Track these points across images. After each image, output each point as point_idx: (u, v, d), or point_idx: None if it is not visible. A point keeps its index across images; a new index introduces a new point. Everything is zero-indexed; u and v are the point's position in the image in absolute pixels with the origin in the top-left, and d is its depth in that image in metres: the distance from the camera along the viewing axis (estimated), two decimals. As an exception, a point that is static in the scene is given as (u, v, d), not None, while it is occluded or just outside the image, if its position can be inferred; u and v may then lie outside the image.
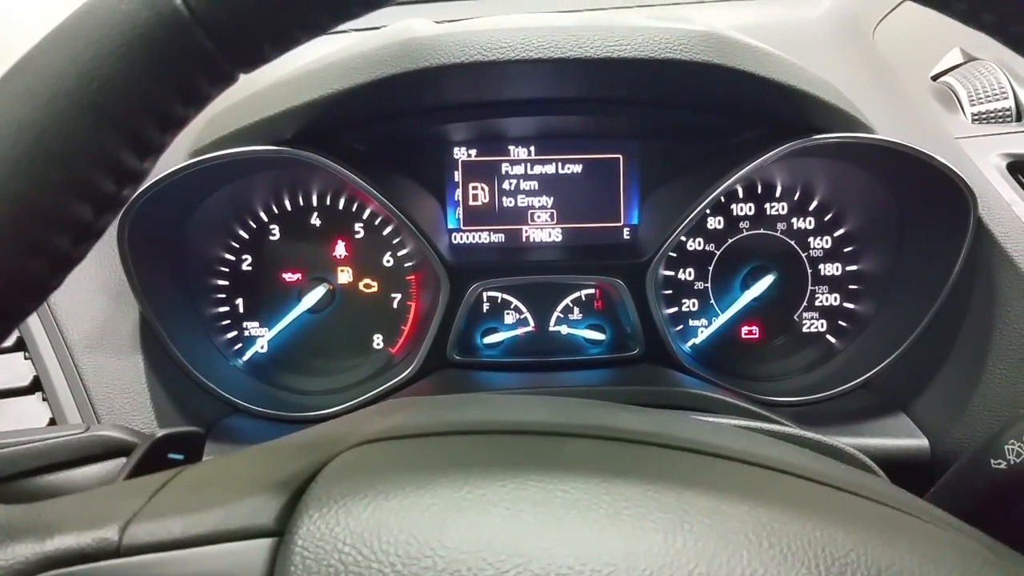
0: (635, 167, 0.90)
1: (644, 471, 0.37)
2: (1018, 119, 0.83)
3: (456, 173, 0.89)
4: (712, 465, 0.40)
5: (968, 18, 0.37)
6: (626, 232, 0.90)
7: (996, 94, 0.85)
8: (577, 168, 0.90)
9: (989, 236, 0.75)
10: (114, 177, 0.34)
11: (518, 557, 0.30)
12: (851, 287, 0.92)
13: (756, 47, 0.70)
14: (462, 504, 0.33)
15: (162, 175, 0.73)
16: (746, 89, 0.72)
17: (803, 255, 0.92)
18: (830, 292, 0.92)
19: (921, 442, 0.76)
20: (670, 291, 0.93)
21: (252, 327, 0.91)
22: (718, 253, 0.92)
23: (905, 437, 0.77)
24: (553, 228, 0.90)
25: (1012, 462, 0.54)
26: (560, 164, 0.90)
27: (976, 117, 0.84)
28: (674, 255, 0.92)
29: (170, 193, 0.76)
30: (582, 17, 0.71)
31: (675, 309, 0.93)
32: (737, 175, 0.79)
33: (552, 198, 0.90)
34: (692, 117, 0.84)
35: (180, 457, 0.43)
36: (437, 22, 0.75)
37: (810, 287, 0.92)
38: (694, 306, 0.93)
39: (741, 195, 0.92)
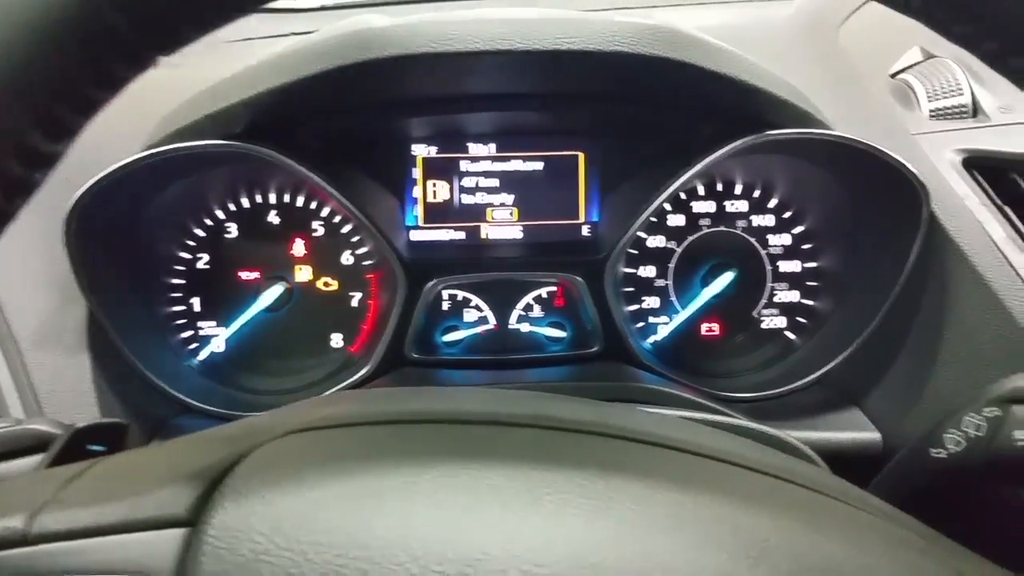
0: (595, 164, 0.89)
1: (574, 458, 0.36)
2: (974, 115, 0.84)
3: (415, 170, 0.89)
4: (645, 453, 0.39)
5: (923, 16, 0.37)
6: (586, 229, 0.90)
7: (953, 91, 0.86)
8: (538, 165, 0.90)
9: (942, 231, 0.75)
10: (23, 159, 0.33)
11: (436, 544, 0.29)
12: (810, 284, 0.92)
13: (707, 42, 0.70)
14: (382, 493, 0.32)
15: (108, 170, 0.72)
16: (698, 84, 0.71)
17: (763, 252, 0.92)
18: (789, 289, 0.93)
19: (874, 435, 0.77)
20: (631, 288, 0.93)
21: (208, 326, 0.90)
22: (679, 250, 0.92)
23: (858, 431, 0.78)
24: (513, 226, 0.90)
25: (951, 451, 0.54)
26: (520, 161, 0.90)
27: (933, 113, 0.85)
28: (635, 252, 0.92)
29: (120, 188, 0.75)
30: (540, 12, 0.71)
31: (636, 306, 0.93)
32: (691, 172, 0.80)
33: (513, 195, 0.90)
34: (650, 114, 0.84)
35: (101, 449, 0.42)
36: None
37: (769, 284, 0.93)
38: (655, 303, 0.93)
39: (702, 192, 0.92)
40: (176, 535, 0.31)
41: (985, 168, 0.78)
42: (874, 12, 0.97)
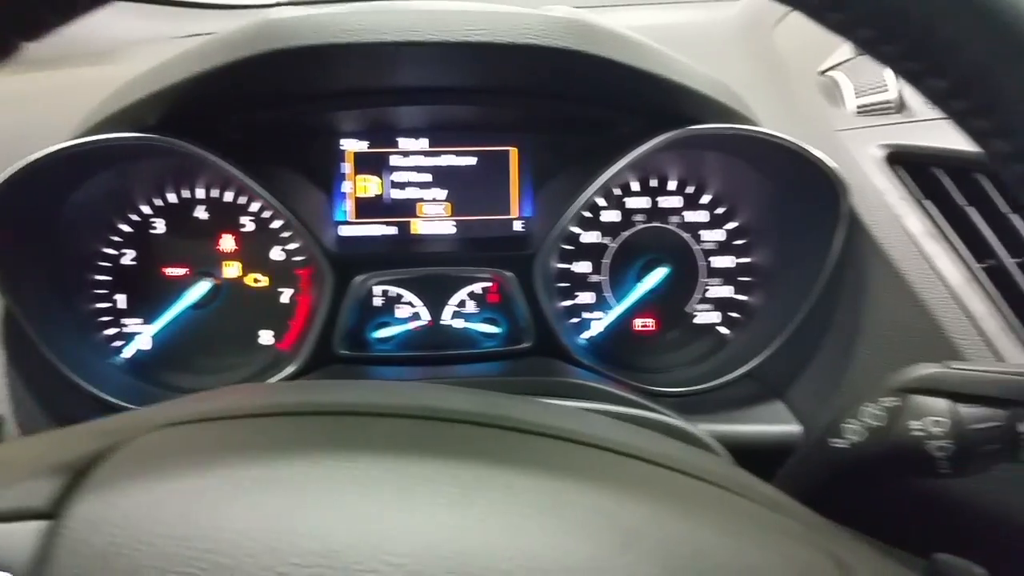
0: (528, 159, 0.89)
1: (446, 448, 0.36)
2: (900, 111, 0.85)
3: (344, 164, 0.88)
4: (522, 441, 0.39)
5: (817, 16, 0.37)
6: (518, 224, 0.89)
7: (879, 87, 0.87)
8: (471, 160, 0.89)
9: (862, 226, 0.76)
10: None
11: (294, 536, 0.29)
12: (742, 279, 0.93)
13: (624, 37, 0.70)
14: (241, 485, 0.32)
15: (20, 164, 0.71)
16: (616, 79, 0.71)
17: (696, 248, 0.93)
18: (722, 284, 0.93)
19: (795, 428, 0.77)
20: (566, 284, 0.92)
21: (133, 324, 0.88)
22: (613, 246, 0.92)
23: (780, 423, 0.78)
24: (445, 221, 0.89)
25: (851, 441, 0.54)
26: (453, 156, 0.89)
27: (859, 109, 0.86)
28: (570, 248, 0.92)
29: (36, 182, 0.73)
30: (459, 4, 0.70)
31: (571, 302, 0.92)
32: (612, 170, 0.80)
33: (445, 190, 0.89)
34: (580, 109, 0.84)
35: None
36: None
37: (702, 279, 0.93)
38: (590, 299, 0.93)
39: (637, 188, 0.92)
40: (36, 527, 0.30)
41: (908, 163, 0.79)
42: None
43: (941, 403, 0.52)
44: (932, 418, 0.51)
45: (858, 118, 0.85)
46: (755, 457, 0.60)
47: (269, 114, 0.81)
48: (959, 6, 0.34)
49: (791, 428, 0.77)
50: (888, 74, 0.87)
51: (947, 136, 0.78)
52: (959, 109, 0.37)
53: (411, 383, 0.52)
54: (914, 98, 0.85)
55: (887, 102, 0.85)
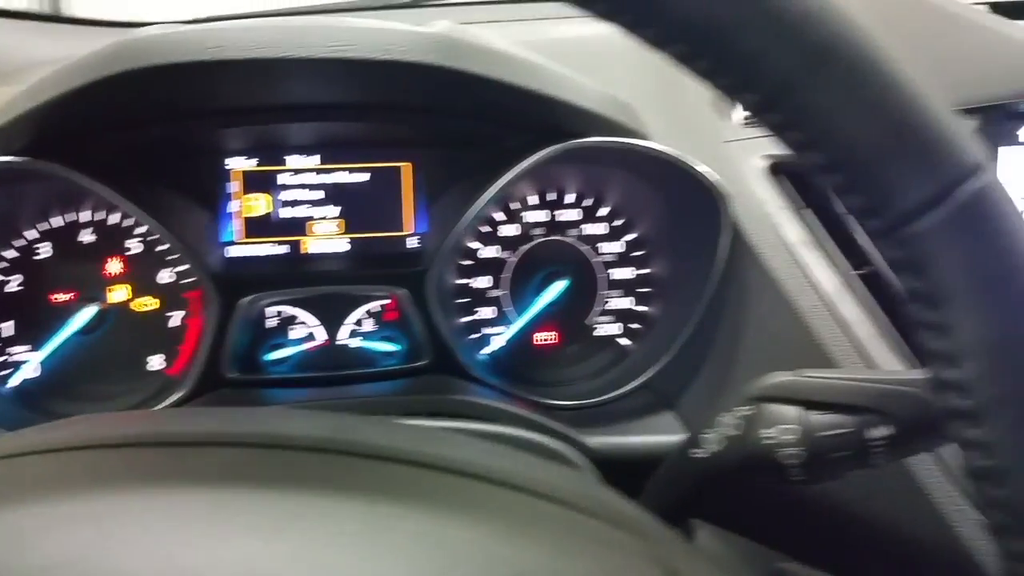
0: (421, 175, 0.89)
1: (269, 476, 0.35)
2: (783, 122, 0.86)
3: (230, 184, 0.86)
4: (350, 465, 0.38)
5: (633, 33, 0.37)
6: (413, 241, 0.89)
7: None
8: (364, 176, 0.88)
9: (744, 236, 0.76)
10: None
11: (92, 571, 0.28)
12: (642, 290, 0.93)
13: (495, 51, 0.70)
14: (53, 520, 0.31)
15: None
16: (494, 95, 0.71)
17: (595, 260, 0.93)
18: (622, 296, 0.93)
19: (680, 438, 0.77)
20: (466, 299, 0.92)
21: (20, 352, 0.85)
22: (513, 260, 0.92)
23: (668, 434, 0.78)
24: (338, 239, 0.88)
25: (710, 451, 0.54)
26: (346, 173, 0.88)
27: (746, 121, 0.87)
28: (469, 263, 0.91)
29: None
30: (333, 20, 0.70)
31: (471, 317, 0.92)
32: (497, 186, 0.80)
33: (338, 208, 0.88)
34: (468, 125, 0.84)
35: None
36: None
37: (602, 292, 0.93)
38: (490, 314, 0.92)
39: (535, 202, 0.92)
40: None
41: (790, 173, 0.80)
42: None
43: (792, 411, 0.52)
44: (783, 426, 0.52)
45: (745, 129, 0.86)
46: (644, 468, 0.60)
47: (148, 134, 0.80)
48: (756, 20, 0.34)
49: (676, 438, 0.77)
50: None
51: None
52: (774, 122, 0.37)
53: (261, 409, 0.51)
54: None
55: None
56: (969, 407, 0.36)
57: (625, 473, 0.64)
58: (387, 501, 0.34)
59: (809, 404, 0.52)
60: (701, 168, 0.77)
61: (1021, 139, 0.80)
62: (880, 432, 0.50)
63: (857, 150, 0.35)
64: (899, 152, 0.35)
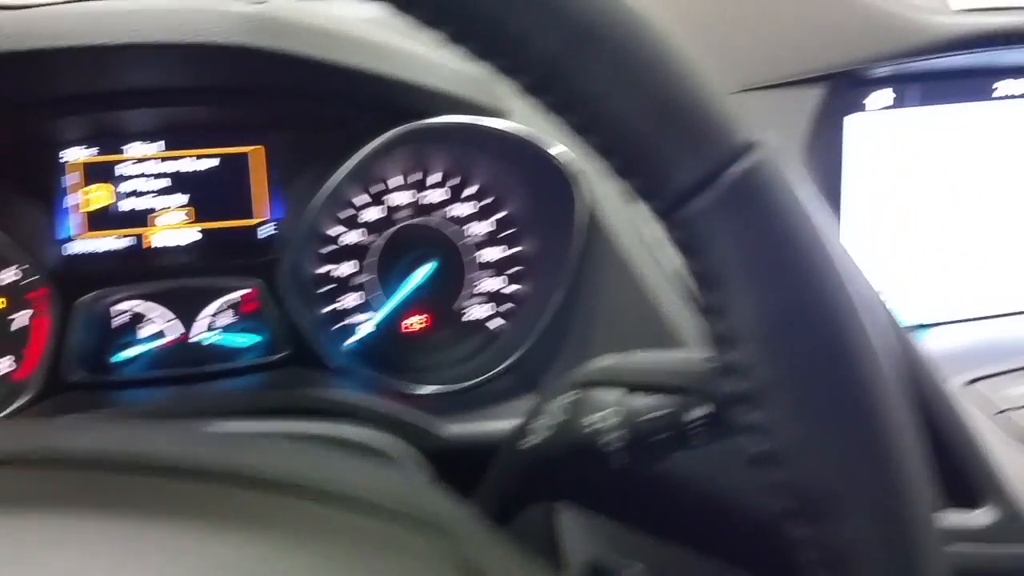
0: (274, 160, 0.85)
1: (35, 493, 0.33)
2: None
3: (67, 176, 0.81)
4: (128, 479, 0.36)
5: (404, 12, 0.35)
6: (267, 228, 0.85)
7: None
8: (212, 163, 0.84)
9: (597, 216, 0.75)
10: None
11: None
12: (512, 270, 0.91)
13: (323, 30, 0.67)
14: None
15: None
16: (324, 75, 0.69)
17: (463, 242, 0.91)
18: (492, 276, 0.92)
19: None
20: (330, 287, 0.89)
21: None
22: (379, 244, 0.89)
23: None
24: (187, 229, 0.84)
25: (537, 440, 0.53)
26: (193, 160, 0.84)
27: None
28: (332, 248, 0.88)
29: None
30: (141, 3, 0.66)
31: (335, 306, 0.89)
32: (345, 170, 0.77)
33: (186, 196, 0.84)
34: (317, 107, 0.81)
35: None
36: None
37: (471, 274, 0.91)
38: (356, 301, 0.90)
39: (399, 184, 0.89)
40: None
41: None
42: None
43: (613, 395, 0.51)
44: (605, 411, 0.51)
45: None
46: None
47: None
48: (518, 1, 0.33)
49: (531, 423, 0.76)
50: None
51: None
52: (549, 105, 0.36)
53: (53, 421, 0.48)
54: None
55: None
56: (747, 390, 0.36)
57: (481, 461, 0.63)
58: (156, 516, 0.32)
59: (631, 387, 0.51)
60: (555, 149, 0.76)
61: (868, 107, 0.81)
62: (698, 412, 0.49)
63: (629, 133, 0.35)
64: (669, 134, 0.34)
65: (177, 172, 0.84)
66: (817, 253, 0.35)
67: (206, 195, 0.84)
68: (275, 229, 0.85)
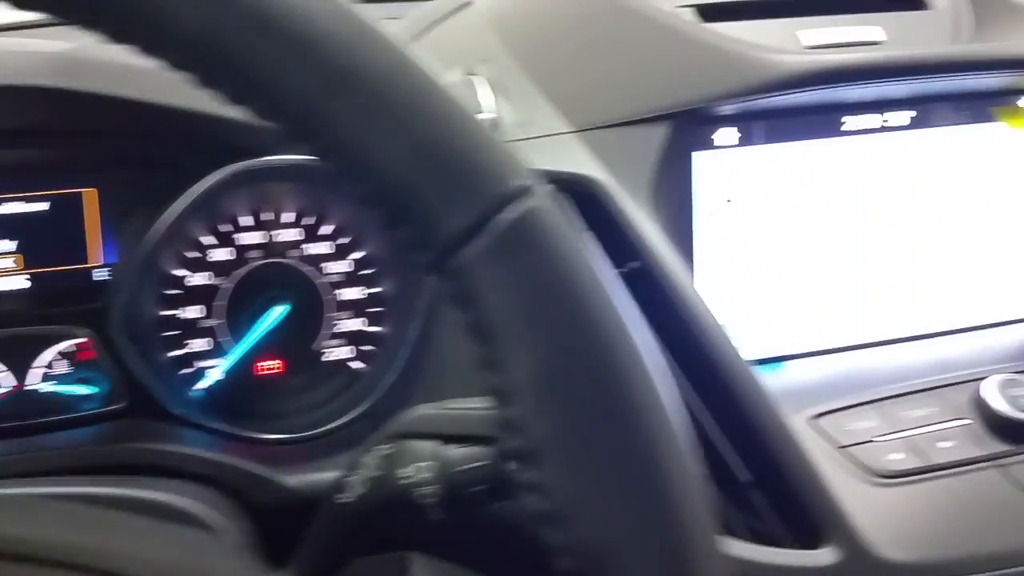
0: (108, 202, 0.81)
1: None
2: (495, 131, 0.84)
3: None
4: None
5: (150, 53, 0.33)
6: (100, 273, 0.81)
7: (482, 108, 0.86)
8: (42, 206, 0.80)
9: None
10: None
11: None
12: (373, 310, 0.89)
13: (132, 68, 0.64)
14: None
15: None
16: (137, 114, 0.66)
17: (320, 282, 0.88)
18: (352, 317, 0.89)
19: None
20: (175, 332, 0.85)
21: None
22: (228, 287, 0.86)
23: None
24: (16, 275, 0.80)
25: (354, 495, 0.51)
26: (23, 203, 0.79)
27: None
28: (177, 292, 0.84)
29: None
30: None
31: (182, 351, 0.85)
32: (176, 210, 0.74)
33: (15, 242, 0.79)
34: (150, 147, 0.77)
35: None
36: None
37: (329, 314, 0.88)
38: (205, 346, 0.86)
39: (250, 223, 0.86)
40: None
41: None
42: (442, 35, 0.96)
43: (428, 446, 0.49)
44: (419, 464, 0.49)
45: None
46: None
47: None
48: (262, 46, 0.31)
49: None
50: (490, 95, 0.86)
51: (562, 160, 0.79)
52: (312, 151, 0.34)
53: None
54: (510, 118, 0.85)
55: (487, 121, 0.84)
56: (523, 446, 0.35)
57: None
58: None
59: (446, 438, 0.49)
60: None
61: (716, 143, 0.81)
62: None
63: (393, 181, 0.33)
64: (434, 181, 0.33)
65: (4, 216, 0.79)
66: (593, 303, 0.34)
67: (36, 240, 0.80)
68: (109, 274, 0.81)
